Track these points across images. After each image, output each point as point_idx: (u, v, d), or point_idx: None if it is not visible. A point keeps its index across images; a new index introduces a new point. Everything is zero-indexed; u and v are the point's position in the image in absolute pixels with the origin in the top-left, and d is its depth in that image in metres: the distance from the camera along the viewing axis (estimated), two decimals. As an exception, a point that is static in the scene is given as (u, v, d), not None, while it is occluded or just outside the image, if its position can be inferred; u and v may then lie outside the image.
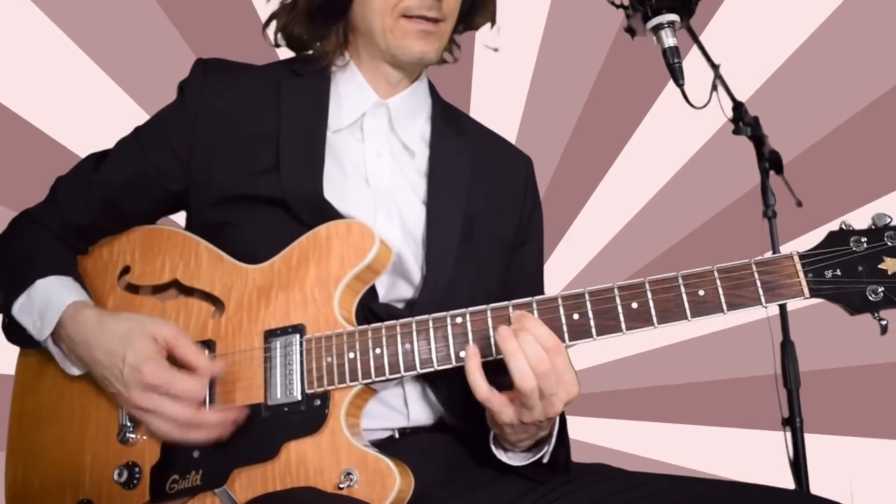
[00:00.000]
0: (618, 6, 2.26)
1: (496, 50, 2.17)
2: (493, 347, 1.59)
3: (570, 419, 1.80)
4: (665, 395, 4.03)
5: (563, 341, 1.57)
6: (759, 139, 2.67)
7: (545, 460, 1.71)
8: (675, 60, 2.08)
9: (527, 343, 1.51)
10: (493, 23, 2.12)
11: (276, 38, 2.04)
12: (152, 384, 1.62)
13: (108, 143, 2.00)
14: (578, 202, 3.92)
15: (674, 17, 2.12)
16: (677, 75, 2.08)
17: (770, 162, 2.66)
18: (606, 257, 3.99)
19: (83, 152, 2.02)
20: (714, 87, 2.44)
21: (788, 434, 2.63)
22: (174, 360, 1.67)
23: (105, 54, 3.55)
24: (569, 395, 1.53)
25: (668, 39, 2.10)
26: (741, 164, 2.71)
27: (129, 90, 3.53)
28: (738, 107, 2.68)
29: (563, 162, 3.72)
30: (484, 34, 2.14)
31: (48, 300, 1.77)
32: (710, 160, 3.77)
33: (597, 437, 3.87)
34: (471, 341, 1.60)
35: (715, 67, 2.53)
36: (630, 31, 2.25)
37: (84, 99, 3.47)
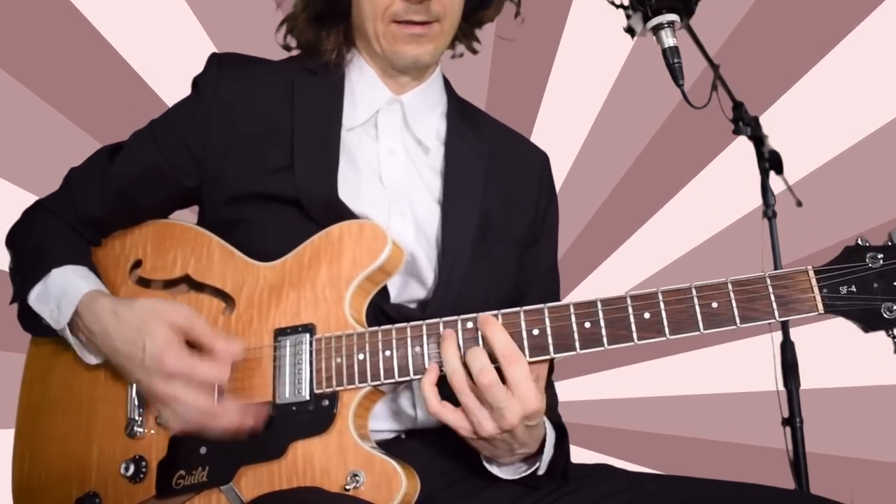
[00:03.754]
0: (618, 6, 2.25)
1: (511, 40, 2.15)
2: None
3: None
4: (663, 393, 4.04)
5: (574, 349, 1.56)
6: (759, 139, 2.67)
7: (539, 473, 1.70)
8: (675, 60, 2.09)
9: (471, 354, 1.54)
10: (517, 13, 2.10)
11: (285, 40, 2.05)
12: (174, 372, 1.61)
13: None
14: (570, 199, 3.92)
15: (674, 17, 2.12)
16: (677, 75, 2.09)
17: (770, 162, 2.66)
18: (600, 256, 3.99)
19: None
20: (714, 87, 2.43)
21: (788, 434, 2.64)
22: (193, 344, 1.67)
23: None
24: (525, 408, 1.52)
25: (668, 39, 2.10)
26: (741, 164, 2.71)
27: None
28: (738, 107, 2.68)
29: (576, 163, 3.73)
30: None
31: (64, 289, 1.78)
32: (709, 159, 3.76)
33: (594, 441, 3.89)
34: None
35: (715, 67, 2.53)
36: (630, 31, 2.25)
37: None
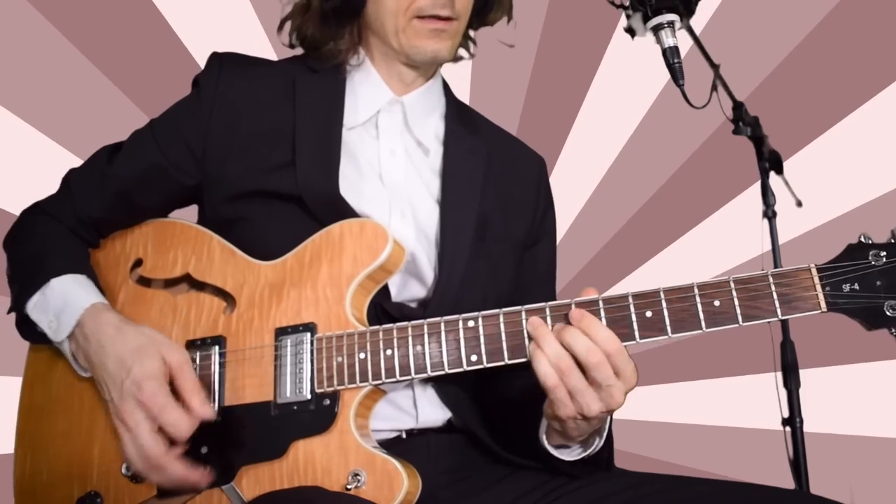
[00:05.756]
0: (618, 6, 2.25)
1: (512, 46, 2.15)
2: (506, 353, 1.59)
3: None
4: (663, 396, 4.04)
5: None
6: (759, 139, 2.66)
7: (597, 449, 1.69)
8: (675, 60, 2.09)
9: (572, 336, 1.52)
10: (510, 18, 2.11)
11: (291, 40, 2.04)
12: (146, 403, 1.61)
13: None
14: (577, 201, 3.93)
15: (674, 17, 2.12)
16: (677, 75, 2.09)
17: (770, 162, 2.65)
18: (605, 257, 3.98)
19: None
20: (714, 87, 2.43)
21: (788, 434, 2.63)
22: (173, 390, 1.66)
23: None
24: (628, 385, 1.52)
25: (668, 39, 2.10)
26: (741, 164, 2.70)
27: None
28: (738, 107, 2.68)
29: (562, 160, 3.74)
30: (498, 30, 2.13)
31: (65, 301, 1.76)
32: (710, 160, 3.76)
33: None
34: (482, 345, 1.59)
35: (715, 67, 2.53)
36: (630, 31, 2.25)
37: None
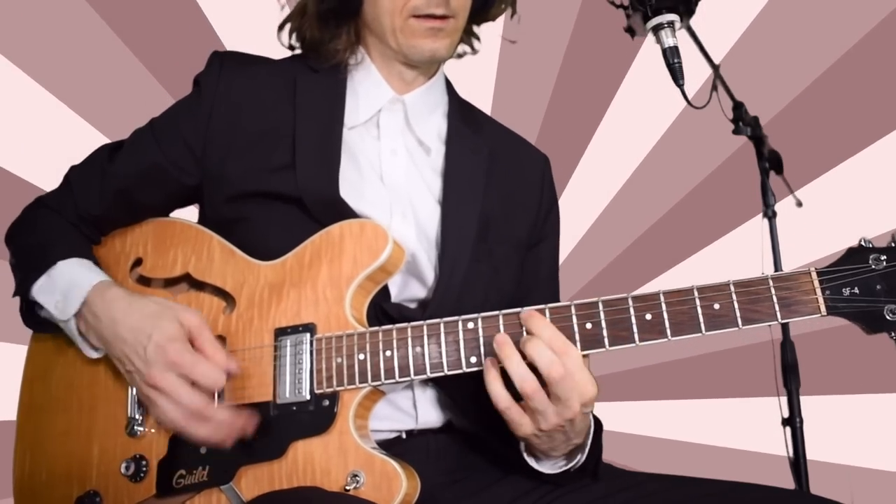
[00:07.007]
0: (618, 6, 2.25)
1: (513, 42, 2.14)
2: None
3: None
4: (663, 397, 4.04)
5: None
6: (759, 139, 2.67)
7: (577, 466, 1.69)
8: (675, 60, 2.08)
9: (537, 349, 1.50)
10: (514, 12, 2.10)
11: (290, 41, 2.05)
12: (175, 362, 1.61)
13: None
14: (596, 208, 3.93)
15: (673, 16, 2.12)
16: (677, 75, 2.09)
17: (770, 162, 2.65)
18: (622, 263, 3.98)
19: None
20: (714, 87, 2.43)
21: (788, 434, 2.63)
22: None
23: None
24: (583, 396, 1.51)
25: (668, 39, 2.10)
26: (741, 164, 2.71)
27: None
28: (738, 107, 2.68)
29: (582, 167, 3.73)
30: (507, 27, 2.12)
31: (72, 280, 1.77)
32: (710, 160, 3.76)
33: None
34: (482, 346, 1.59)
35: (715, 67, 2.53)
36: (630, 31, 2.25)
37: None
